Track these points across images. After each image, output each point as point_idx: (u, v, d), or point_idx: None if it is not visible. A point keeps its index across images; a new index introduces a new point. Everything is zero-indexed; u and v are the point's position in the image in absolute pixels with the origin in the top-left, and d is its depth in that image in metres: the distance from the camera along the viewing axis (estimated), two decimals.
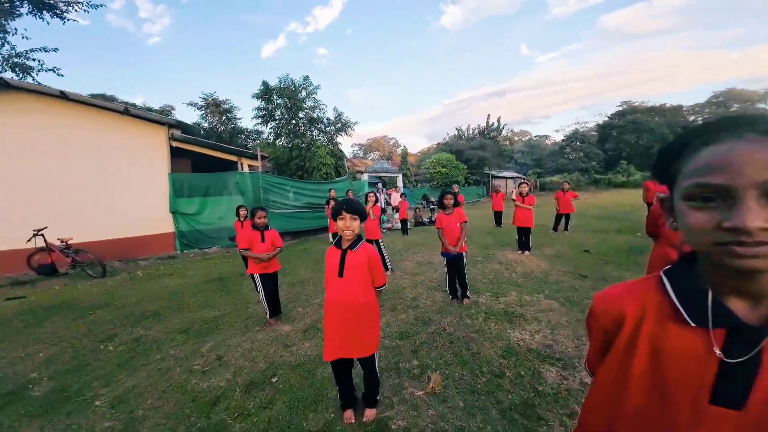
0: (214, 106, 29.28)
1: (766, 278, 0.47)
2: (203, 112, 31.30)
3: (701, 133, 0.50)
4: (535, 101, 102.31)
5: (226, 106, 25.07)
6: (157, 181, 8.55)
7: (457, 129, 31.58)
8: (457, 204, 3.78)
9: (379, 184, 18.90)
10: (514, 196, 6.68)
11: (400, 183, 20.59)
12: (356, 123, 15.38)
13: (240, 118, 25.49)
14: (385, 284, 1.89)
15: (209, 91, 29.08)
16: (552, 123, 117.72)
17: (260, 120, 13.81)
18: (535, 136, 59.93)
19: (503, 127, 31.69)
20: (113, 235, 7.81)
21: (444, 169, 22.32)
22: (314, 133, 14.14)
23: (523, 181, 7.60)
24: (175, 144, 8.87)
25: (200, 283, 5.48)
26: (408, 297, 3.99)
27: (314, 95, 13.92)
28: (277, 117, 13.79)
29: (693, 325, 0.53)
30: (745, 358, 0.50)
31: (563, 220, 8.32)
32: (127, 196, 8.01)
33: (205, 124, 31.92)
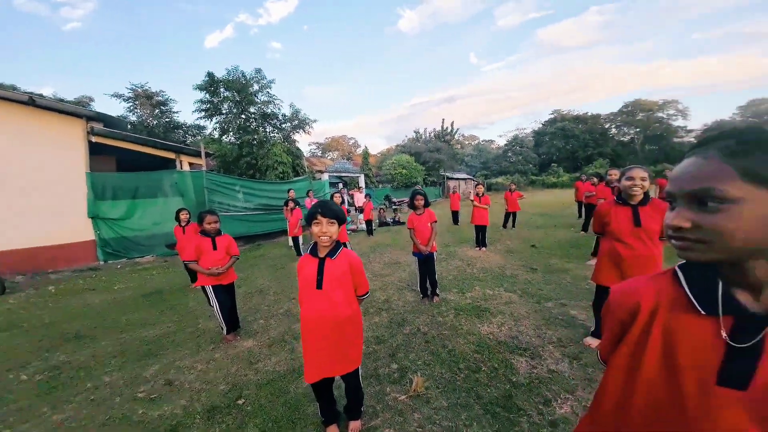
0: (144, 98, 25.74)
1: (758, 271, 0.53)
2: (131, 104, 27.35)
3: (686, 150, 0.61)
4: (481, 107, 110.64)
5: (160, 98, 22.27)
6: (72, 181, 7.23)
7: (415, 132, 32.88)
8: (427, 204, 3.85)
9: (340, 185, 18.53)
10: (472, 197, 7.07)
11: (362, 183, 20.41)
12: (315, 120, 14.86)
13: (177, 112, 22.85)
14: (368, 292, 1.76)
15: (139, 82, 25.66)
16: (497, 128, 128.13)
17: (203, 114, 12.53)
18: (482, 141, 64.77)
19: (456, 131, 33.58)
20: (13, 246, 6.38)
21: (404, 171, 22.85)
22: (268, 130, 13.29)
23: (479, 182, 8.09)
24: (95, 139, 7.59)
25: (134, 297, 4.76)
26: (380, 299, 3.94)
27: (268, 89, 13.09)
28: (224, 111, 12.65)
29: (704, 313, 0.58)
30: (749, 343, 0.55)
31: (511, 218, 9.08)
32: (32, 200, 6.61)
33: (133, 118, 27.96)
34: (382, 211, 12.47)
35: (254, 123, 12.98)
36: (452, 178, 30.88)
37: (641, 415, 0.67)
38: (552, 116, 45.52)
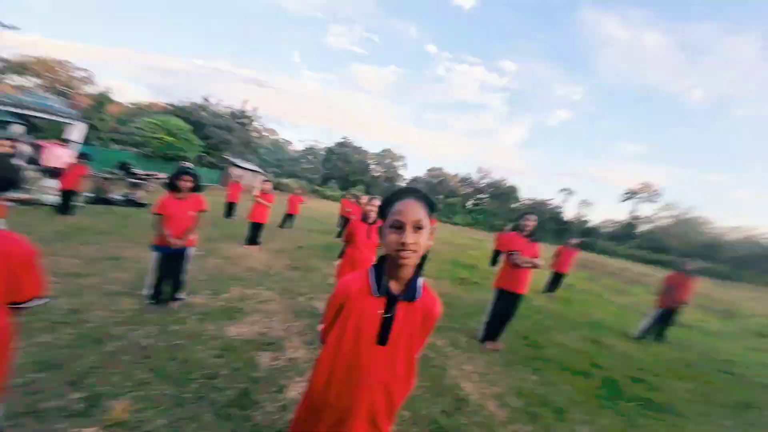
0: None
1: (406, 270, 0.95)
2: None
3: (393, 196, 0.98)
4: (290, 106, 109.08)
5: None
6: None
7: (204, 98, 26.24)
8: (197, 189, 3.22)
9: (15, 127, 10.49)
10: (255, 192, 6.76)
11: (73, 135, 12.83)
12: None
13: None
14: (39, 295, 1.01)
15: None
16: (299, 131, 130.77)
17: None
18: (281, 138, 64.20)
19: (258, 119, 30.85)
20: None
21: (171, 138, 17.44)
22: None
23: (267, 179, 7.90)
24: None
25: None
26: (62, 309, 2.67)
27: None
28: None
29: (377, 295, 0.96)
30: (390, 314, 0.94)
31: (288, 219, 9.60)
32: None
33: None
34: (106, 182, 8.82)
35: None
36: (240, 167, 27.81)
37: (340, 383, 0.96)
38: (342, 140, 54.13)
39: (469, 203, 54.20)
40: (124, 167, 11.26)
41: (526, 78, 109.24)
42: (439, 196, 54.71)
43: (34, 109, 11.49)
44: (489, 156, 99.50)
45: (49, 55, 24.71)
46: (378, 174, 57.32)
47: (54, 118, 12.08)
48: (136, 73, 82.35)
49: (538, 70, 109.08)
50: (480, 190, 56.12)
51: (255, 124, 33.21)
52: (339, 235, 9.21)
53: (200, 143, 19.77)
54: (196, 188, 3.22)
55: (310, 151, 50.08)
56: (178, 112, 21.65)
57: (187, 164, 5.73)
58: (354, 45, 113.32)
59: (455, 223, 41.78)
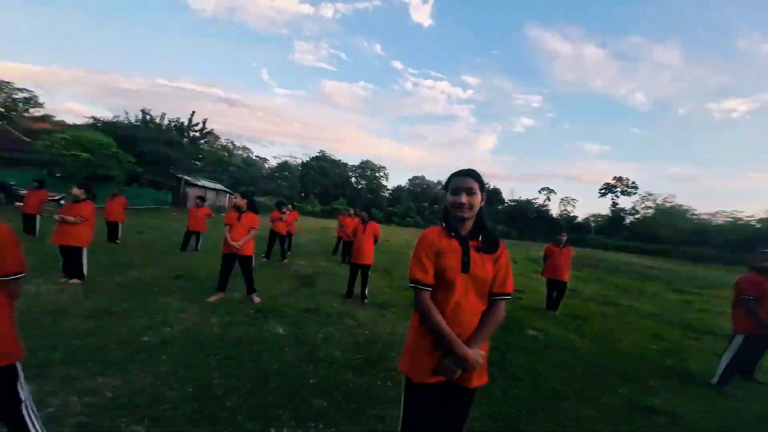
0: None
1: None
2: None
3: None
4: (266, 125, 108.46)
5: None
6: None
7: (143, 112, 23.74)
8: None
9: None
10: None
11: None
12: None
13: None
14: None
15: None
16: (277, 149, 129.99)
17: None
18: (256, 156, 62.42)
19: (209, 131, 29.02)
20: None
21: (86, 155, 14.85)
22: None
23: (201, 194, 6.14)
24: None
25: None
26: None
27: None
28: None
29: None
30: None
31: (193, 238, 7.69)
32: None
33: None
34: None
35: None
36: (196, 185, 25.73)
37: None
38: (318, 154, 52.66)
39: None
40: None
41: (487, 90, 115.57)
42: (423, 203, 53.46)
43: None
44: (466, 162, 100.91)
45: None
46: (361, 186, 55.94)
47: None
48: (94, 94, 79.43)
49: (497, 82, 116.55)
50: None
51: (223, 140, 31.45)
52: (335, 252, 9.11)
53: (131, 160, 17.38)
54: None
55: (284, 166, 48.36)
56: (104, 126, 19.39)
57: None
58: (322, 62, 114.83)
59: None
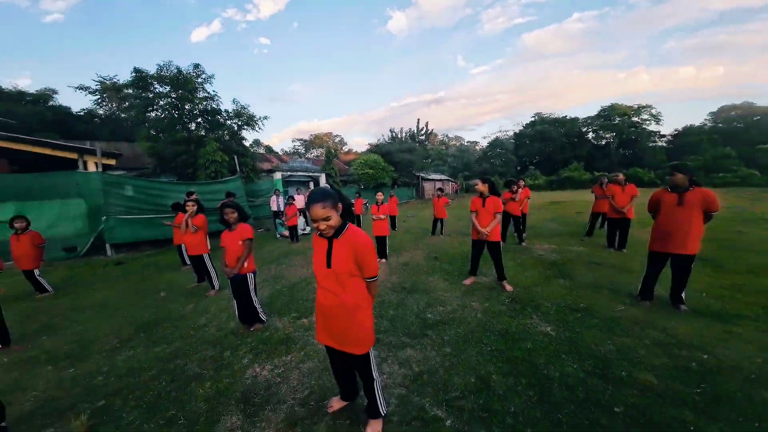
0: (112, 91, 24.66)
1: None
2: (98, 97, 26.21)
3: None
4: (469, 109, 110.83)
5: (131, 92, 21.48)
6: None
7: (391, 131, 32.38)
8: (243, 219, 3.42)
9: (311, 184, 17.81)
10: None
11: (322, 183, 19.84)
12: (265, 117, 14.23)
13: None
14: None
15: (107, 74, 24.75)
16: (483, 130, 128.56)
17: (135, 111, 11.87)
18: (467, 142, 64.71)
19: (430, 132, 33.32)
20: None
21: (371, 171, 22.09)
22: (207, 127, 12.70)
23: (440, 186, 7.79)
24: None
25: None
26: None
27: (207, 84, 12.47)
28: (158, 107, 12.00)
29: None
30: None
31: (439, 225, 8.74)
32: None
33: (100, 111, 26.81)
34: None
35: (190, 120, 12.38)
36: (428, 179, 30.56)
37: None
38: (533, 119, 45.62)
39: None
40: None
41: None
42: (751, 146, 31.07)
43: (300, 170, 19.11)
44: None
45: (320, 131, 40.92)
46: (604, 141, 42.19)
47: (311, 174, 19.24)
48: (365, 128, 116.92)
49: None
50: None
51: (440, 136, 35.71)
52: (589, 233, 7.15)
53: (391, 169, 23.61)
54: (242, 218, 3.37)
55: (495, 143, 46.03)
56: (375, 149, 27.35)
57: (231, 200, 5.69)
58: (516, 18, 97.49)
59: None
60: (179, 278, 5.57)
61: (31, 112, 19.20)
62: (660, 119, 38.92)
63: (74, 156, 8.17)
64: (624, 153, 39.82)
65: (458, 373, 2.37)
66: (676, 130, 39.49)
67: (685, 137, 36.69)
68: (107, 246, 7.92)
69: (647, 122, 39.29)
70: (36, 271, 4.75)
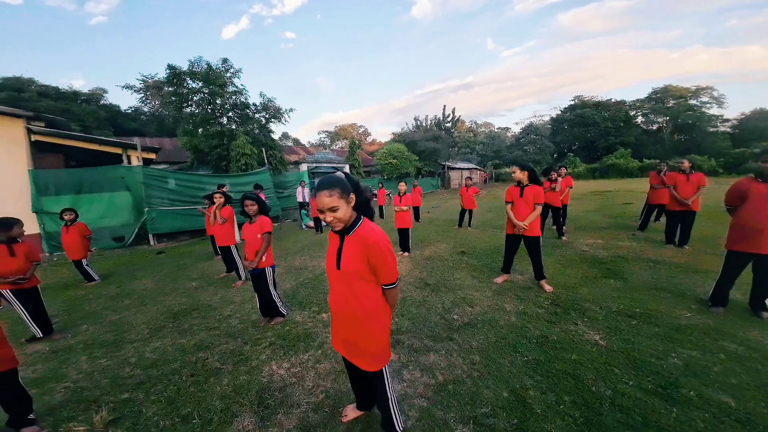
0: (155, 89, 26.43)
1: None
2: (142, 95, 28.26)
3: None
4: (500, 94, 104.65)
5: (170, 89, 22.94)
6: (14, 178, 7.54)
7: (415, 119, 31.32)
8: (264, 212, 3.35)
9: (339, 174, 18.41)
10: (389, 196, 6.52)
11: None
12: (291, 110, 14.39)
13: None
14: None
15: (149, 73, 26.42)
16: (515, 116, 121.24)
17: (172, 107, 12.51)
18: (497, 128, 61.27)
19: (458, 119, 31.88)
20: None
21: (394, 161, 21.71)
22: (233, 121, 13.10)
23: (468, 176, 7.54)
24: (35, 137, 7.75)
25: None
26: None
27: (235, 79, 12.79)
28: (192, 103, 12.54)
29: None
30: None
31: (467, 216, 8.30)
32: None
33: (146, 109, 28.95)
34: None
35: (221, 114, 12.81)
36: (454, 168, 29.47)
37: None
38: (572, 102, 41.96)
39: None
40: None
41: None
42: None
43: (324, 162, 19.36)
44: None
45: (345, 122, 40.84)
46: (656, 125, 37.88)
47: (335, 165, 19.41)
48: (388, 118, 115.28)
49: None
50: None
51: (467, 123, 34.14)
52: (642, 227, 6.35)
53: (415, 158, 22.89)
54: (263, 210, 3.30)
55: (529, 129, 43.04)
56: (399, 138, 26.72)
57: (254, 191, 6.10)
58: None
59: None
60: (211, 268, 5.77)
61: (86, 111, 20.99)
62: (723, 102, 33.95)
63: (119, 151, 8.76)
64: (679, 139, 35.40)
65: (488, 386, 2.11)
66: (742, 114, 34.29)
67: (756, 121, 31.70)
68: (150, 236, 8.51)
69: (708, 105, 34.39)
70: (84, 261, 5.13)
